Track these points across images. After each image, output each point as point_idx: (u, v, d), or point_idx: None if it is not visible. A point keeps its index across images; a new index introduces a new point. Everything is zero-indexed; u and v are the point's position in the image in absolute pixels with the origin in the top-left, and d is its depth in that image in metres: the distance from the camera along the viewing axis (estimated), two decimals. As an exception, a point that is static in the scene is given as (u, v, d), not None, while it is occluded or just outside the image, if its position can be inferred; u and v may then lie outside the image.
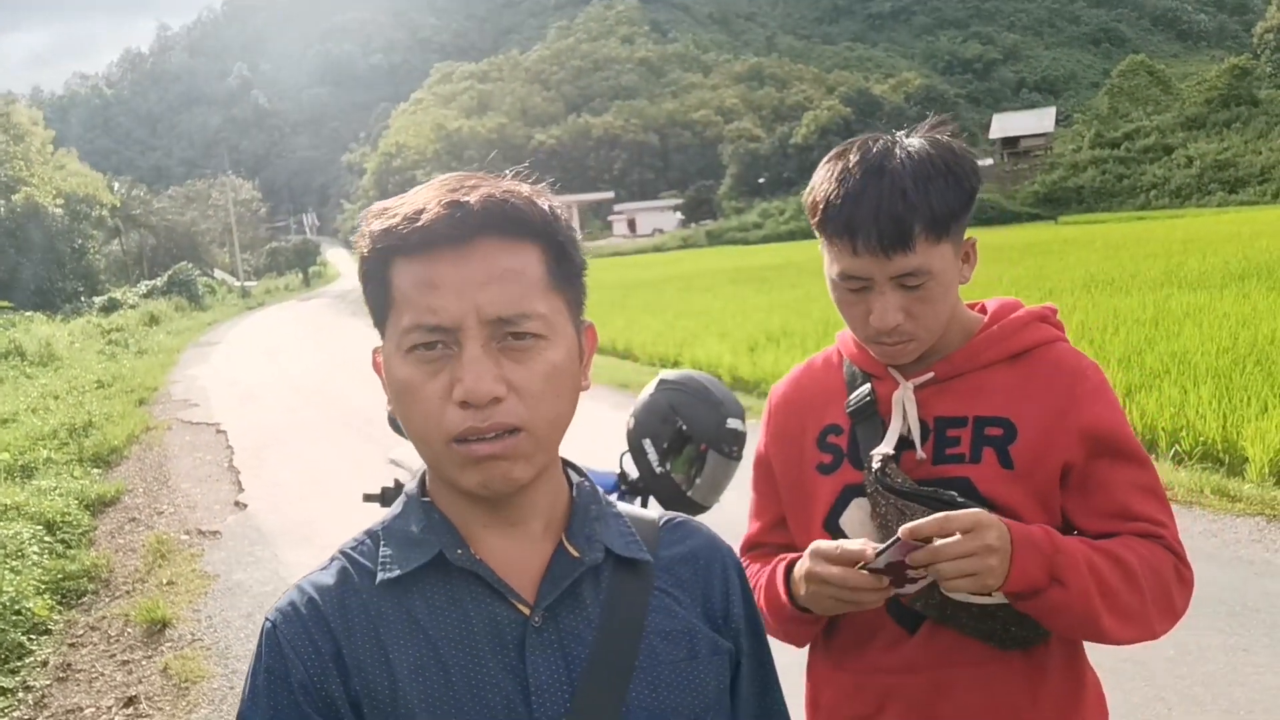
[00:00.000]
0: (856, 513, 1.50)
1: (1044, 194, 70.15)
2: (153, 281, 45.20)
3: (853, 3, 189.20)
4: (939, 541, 1.29)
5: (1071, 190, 69.21)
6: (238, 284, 58.08)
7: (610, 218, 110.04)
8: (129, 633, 5.82)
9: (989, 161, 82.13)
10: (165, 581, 6.60)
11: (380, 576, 1.03)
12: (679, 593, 1.11)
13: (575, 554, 1.06)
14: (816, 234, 1.50)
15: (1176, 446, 7.21)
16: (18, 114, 48.11)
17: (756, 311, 18.15)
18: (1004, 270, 21.12)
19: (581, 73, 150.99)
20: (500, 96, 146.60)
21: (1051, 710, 1.49)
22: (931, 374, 1.51)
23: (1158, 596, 1.41)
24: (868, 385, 1.55)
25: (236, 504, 8.49)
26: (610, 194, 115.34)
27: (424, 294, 0.98)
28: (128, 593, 6.51)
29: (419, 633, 1.01)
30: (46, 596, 6.22)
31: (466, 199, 0.97)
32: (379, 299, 1.03)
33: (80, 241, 44.55)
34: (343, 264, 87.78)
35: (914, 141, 1.45)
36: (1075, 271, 19.55)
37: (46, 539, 7.20)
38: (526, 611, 1.02)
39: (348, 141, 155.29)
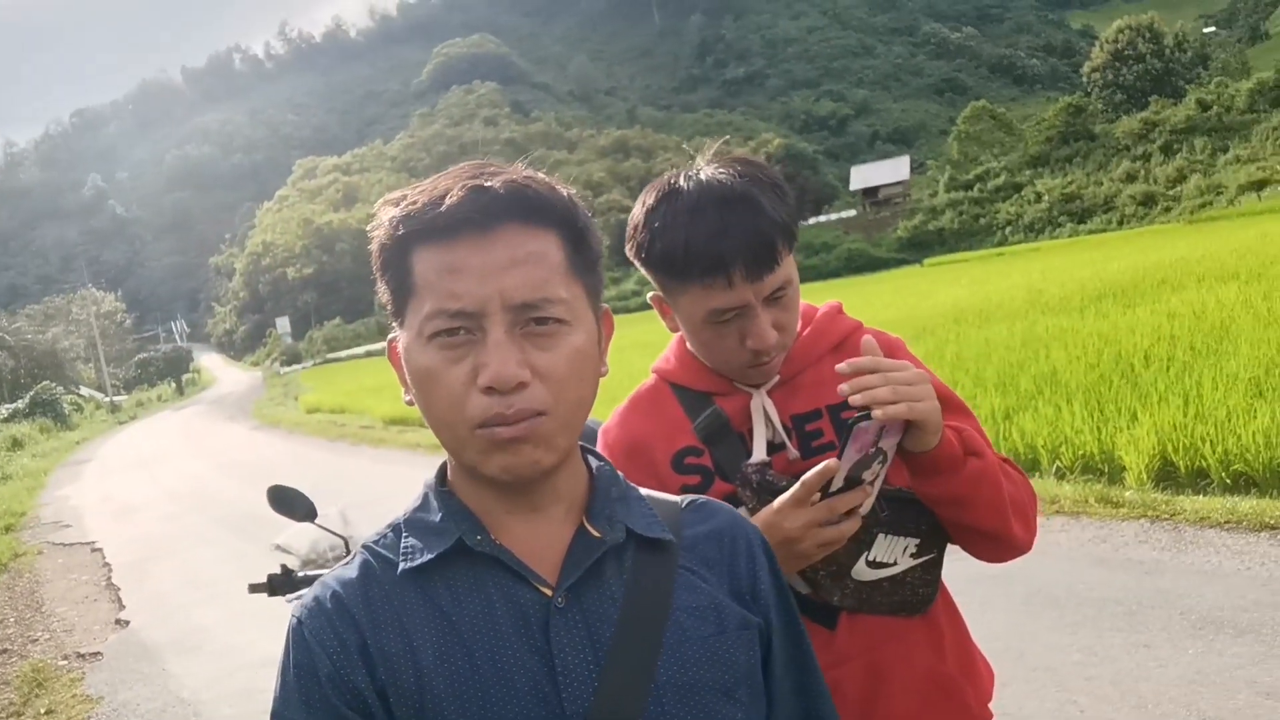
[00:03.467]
0: None
1: (907, 239, 72.62)
2: (14, 405, 43.19)
3: (708, 71, 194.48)
4: (882, 360, 1.32)
5: (933, 233, 71.80)
6: (106, 399, 55.92)
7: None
8: (6, 770, 5.42)
9: (853, 212, 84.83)
10: (43, 711, 6.20)
11: (402, 566, 1.03)
12: (704, 570, 1.09)
13: (596, 534, 1.05)
14: (668, 282, 1.49)
15: (1058, 462, 7.42)
16: None
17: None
18: (877, 313, 21.66)
19: (447, 157, 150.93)
20: (367, 187, 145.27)
21: (954, 662, 1.56)
22: (778, 377, 1.54)
23: (1029, 502, 1.51)
24: (712, 405, 1.55)
25: (118, 622, 8.06)
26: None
27: (447, 279, 0.98)
28: (2, 728, 6.10)
29: (443, 620, 1.00)
30: (-89, 742, 5.78)
31: (490, 184, 0.98)
32: (398, 287, 1.02)
33: (-69, 369, 42.43)
34: (217, 369, 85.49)
35: (726, 165, 1.47)
36: (944, 308, 20.18)
37: (-92, 681, 6.71)
38: (549, 593, 1.01)
39: (214, 244, 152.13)
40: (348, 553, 2.96)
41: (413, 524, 1.06)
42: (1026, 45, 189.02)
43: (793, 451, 1.51)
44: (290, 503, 2.58)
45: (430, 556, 1.02)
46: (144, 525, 12.71)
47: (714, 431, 1.54)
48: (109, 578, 9.84)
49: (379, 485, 11.42)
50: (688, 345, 1.60)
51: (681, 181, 1.46)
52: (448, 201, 0.97)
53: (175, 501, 14.52)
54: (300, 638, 1.00)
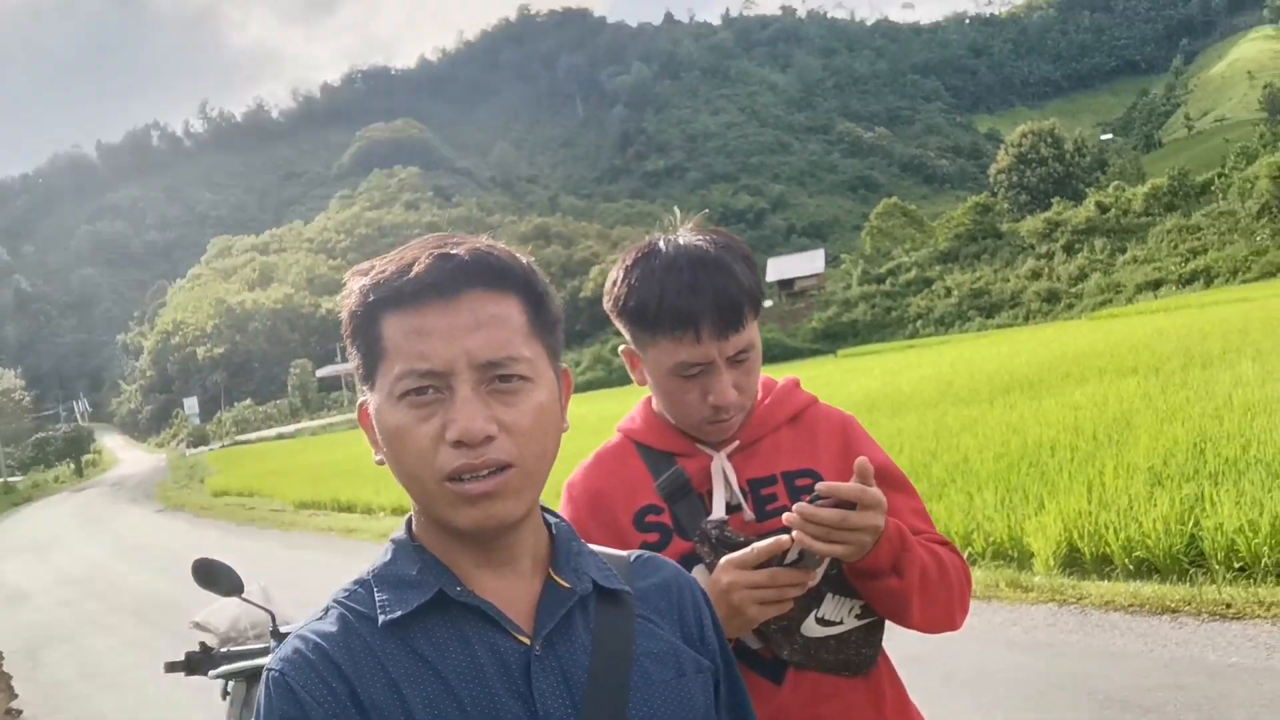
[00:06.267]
0: (699, 577, 1.54)
1: (822, 330, 73.92)
2: (-99, 484, 41.34)
3: (629, 162, 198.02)
4: (852, 514, 1.40)
5: (847, 324, 73.21)
6: (0, 480, 53.79)
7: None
8: None
9: (769, 303, 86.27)
10: (-75, 806, 5.87)
11: (382, 619, 1.05)
12: (658, 619, 1.17)
13: (566, 585, 1.11)
14: (640, 334, 1.60)
15: (969, 548, 7.56)
16: None
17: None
18: (794, 401, 21.92)
19: (367, 240, 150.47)
20: (284, 268, 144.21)
21: None
22: (738, 442, 1.65)
23: (960, 594, 1.63)
24: (675, 465, 1.64)
25: (9, 712, 7.68)
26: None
27: (416, 342, 1.03)
28: (-121, 824, 5.75)
29: (428, 669, 1.03)
30: None
31: (455, 252, 1.05)
32: (368, 352, 1.07)
33: None
34: (120, 450, 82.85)
35: (704, 234, 1.61)
36: (858, 398, 20.51)
37: None
38: (527, 642, 1.06)
39: (122, 322, 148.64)
40: (274, 627, 2.93)
41: (383, 579, 1.09)
42: (936, 146, 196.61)
43: (748, 513, 1.61)
44: (215, 577, 2.57)
45: (412, 608, 1.05)
46: (39, 612, 12.20)
47: (675, 490, 1.62)
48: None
49: (291, 570, 11.16)
50: (653, 406, 1.70)
51: (661, 244, 1.59)
52: (415, 269, 1.04)
53: (73, 587, 13.98)
54: (286, 689, 1.00)
